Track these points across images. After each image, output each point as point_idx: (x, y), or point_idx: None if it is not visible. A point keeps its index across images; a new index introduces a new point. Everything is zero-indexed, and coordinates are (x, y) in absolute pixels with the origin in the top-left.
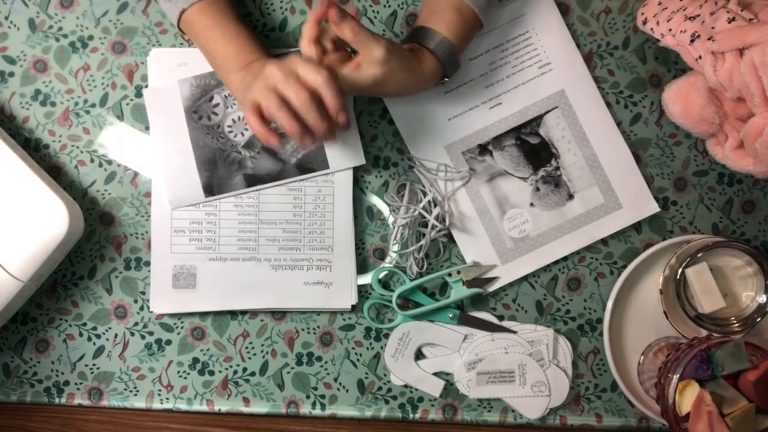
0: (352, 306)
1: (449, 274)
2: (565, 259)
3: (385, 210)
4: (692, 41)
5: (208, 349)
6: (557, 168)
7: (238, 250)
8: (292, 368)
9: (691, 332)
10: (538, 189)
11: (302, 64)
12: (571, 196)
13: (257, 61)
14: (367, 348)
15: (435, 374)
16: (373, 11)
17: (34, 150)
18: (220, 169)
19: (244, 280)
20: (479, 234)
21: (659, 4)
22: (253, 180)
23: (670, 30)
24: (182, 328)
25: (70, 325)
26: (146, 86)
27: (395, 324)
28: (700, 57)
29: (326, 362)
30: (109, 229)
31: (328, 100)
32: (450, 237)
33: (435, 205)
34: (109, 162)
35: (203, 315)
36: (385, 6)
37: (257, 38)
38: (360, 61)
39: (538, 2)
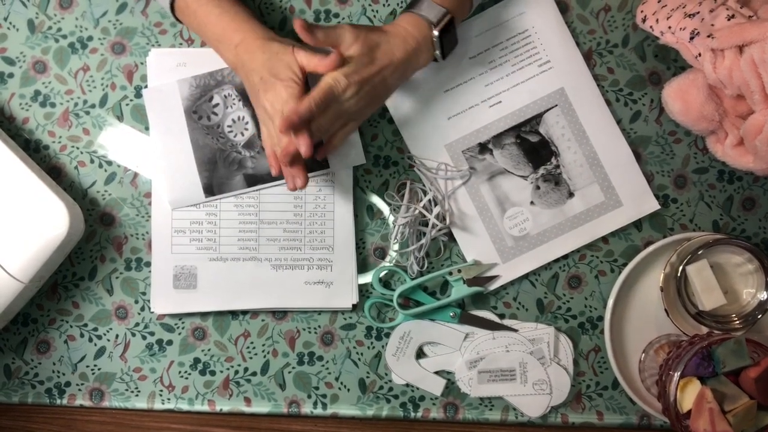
0: (353, 305)
1: (450, 273)
2: (565, 257)
3: (385, 209)
4: (692, 39)
5: (209, 349)
6: (557, 166)
7: (239, 250)
8: (294, 368)
9: (692, 329)
10: (538, 187)
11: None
12: (571, 194)
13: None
14: (368, 347)
15: (436, 373)
16: (373, 10)
17: (34, 151)
18: (220, 169)
19: (244, 280)
20: (480, 232)
21: (658, 2)
22: (254, 180)
23: (669, 27)
24: (183, 328)
25: (71, 326)
26: (146, 86)
27: (396, 323)
28: (699, 54)
29: (327, 362)
30: (109, 229)
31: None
32: (450, 236)
33: (435, 204)
34: (109, 163)
35: (204, 315)
36: (384, 5)
37: (251, 15)
38: (339, 53)
39: (537, 1)
